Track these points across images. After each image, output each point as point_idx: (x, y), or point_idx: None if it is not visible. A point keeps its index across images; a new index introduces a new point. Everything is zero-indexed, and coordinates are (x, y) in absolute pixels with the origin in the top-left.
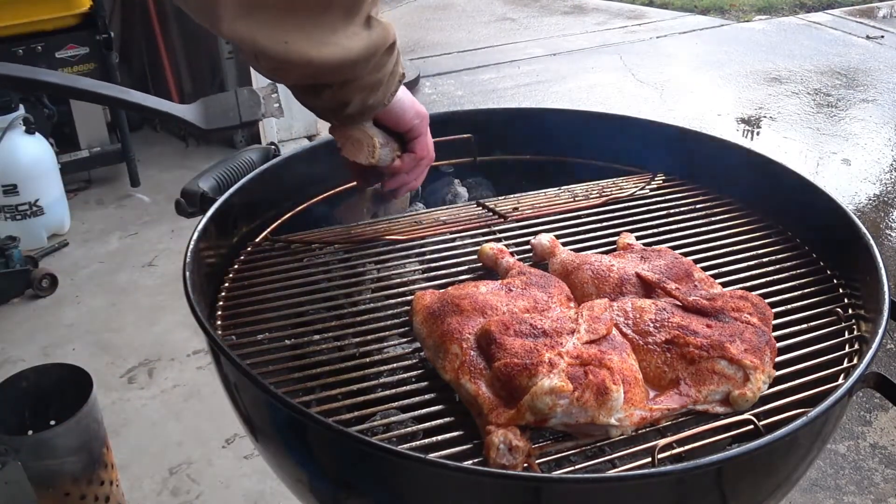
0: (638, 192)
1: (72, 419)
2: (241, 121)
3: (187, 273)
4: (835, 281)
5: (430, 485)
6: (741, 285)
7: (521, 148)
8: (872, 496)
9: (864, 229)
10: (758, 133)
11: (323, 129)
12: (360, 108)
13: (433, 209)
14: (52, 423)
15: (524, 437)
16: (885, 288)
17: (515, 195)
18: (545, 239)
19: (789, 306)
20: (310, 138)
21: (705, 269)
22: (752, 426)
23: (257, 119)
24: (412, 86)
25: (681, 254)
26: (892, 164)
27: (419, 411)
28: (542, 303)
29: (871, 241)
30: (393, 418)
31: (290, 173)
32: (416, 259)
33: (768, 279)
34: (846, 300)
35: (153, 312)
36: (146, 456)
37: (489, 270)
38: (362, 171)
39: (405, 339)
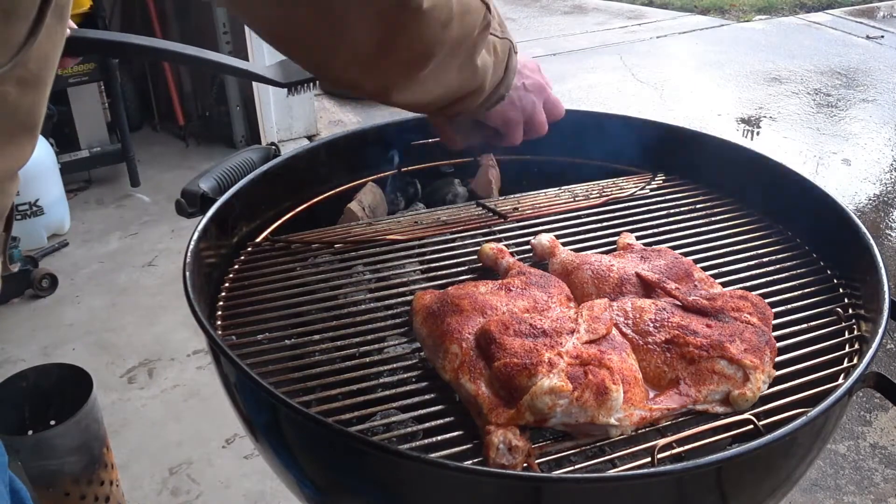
0: (638, 192)
1: (72, 419)
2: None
3: (187, 273)
4: (835, 281)
5: (430, 485)
6: (741, 285)
7: (522, 148)
8: (872, 496)
9: (864, 229)
10: (758, 133)
11: (323, 130)
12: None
13: (433, 209)
14: (52, 423)
15: (524, 437)
16: (885, 288)
17: (515, 195)
18: (545, 239)
19: (789, 306)
20: (310, 138)
21: (705, 269)
22: (752, 426)
23: None
24: None
25: (681, 254)
26: (892, 164)
27: (419, 411)
28: (542, 303)
29: (871, 241)
30: (393, 418)
31: (290, 173)
32: (416, 259)
33: (768, 279)
34: (846, 300)
35: (153, 312)
36: (146, 456)
37: (489, 270)
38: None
39: (405, 339)
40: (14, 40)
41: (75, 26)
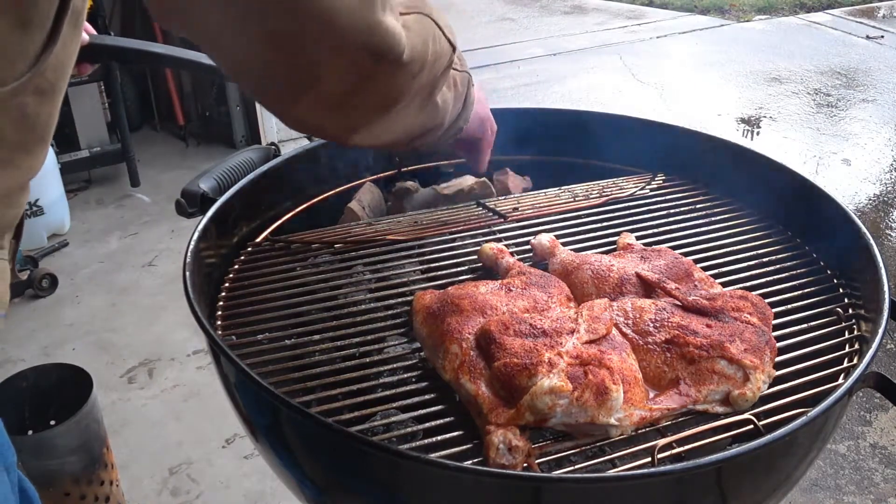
0: (638, 192)
1: (72, 419)
2: None
3: (187, 273)
4: (835, 281)
5: (430, 485)
6: (741, 285)
7: (522, 148)
8: (872, 496)
9: (864, 229)
10: (758, 133)
11: None
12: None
13: (433, 209)
14: (52, 423)
15: (524, 437)
16: (885, 288)
17: (515, 195)
18: (545, 239)
19: (789, 306)
20: (310, 138)
21: (705, 269)
22: (752, 426)
23: None
24: None
25: (681, 254)
26: (892, 164)
27: (419, 411)
28: (542, 303)
29: (871, 241)
30: (393, 418)
31: (290, 173)
32: (416, 259)
33: (768, 279)
34: (846, 300)
35: (153, 312)
36: (146, 456)
37: (489, 270)
38: None
39: (405, 339)
40: (32, 50)
41: (94, 31)
